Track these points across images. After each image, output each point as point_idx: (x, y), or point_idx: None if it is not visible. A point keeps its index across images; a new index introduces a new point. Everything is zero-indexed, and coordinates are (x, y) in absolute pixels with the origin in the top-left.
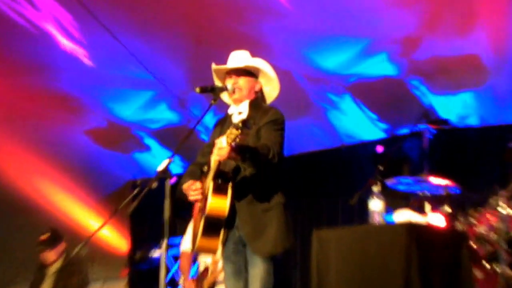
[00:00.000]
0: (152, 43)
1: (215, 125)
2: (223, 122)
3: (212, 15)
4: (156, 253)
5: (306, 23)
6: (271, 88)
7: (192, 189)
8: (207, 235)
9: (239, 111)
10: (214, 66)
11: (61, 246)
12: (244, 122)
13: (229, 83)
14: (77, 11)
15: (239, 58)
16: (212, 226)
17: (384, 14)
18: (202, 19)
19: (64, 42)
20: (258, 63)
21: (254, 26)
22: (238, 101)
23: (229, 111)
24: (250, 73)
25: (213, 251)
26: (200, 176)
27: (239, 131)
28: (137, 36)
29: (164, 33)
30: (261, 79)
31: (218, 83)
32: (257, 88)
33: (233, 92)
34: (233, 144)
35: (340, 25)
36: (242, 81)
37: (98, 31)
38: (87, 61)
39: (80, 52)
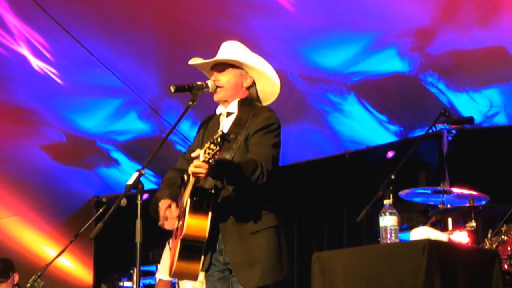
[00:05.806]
0: (119, 44)
1: (201, 125)
2: (209, 122)
3: (190, 10)
4: (126, 284)
5: (302, 17)
6: (264, 85)
7: (165, 215)
8: (185, 259)
9: (228, 112)
10: (190, 61)
11: (13, 278)
12: (223, 136)
13: (210, 80)
14: (29, 11)
15: (223, 50)
16: (190, 249)
17: (392, 3)
18: (178, 15)
19: (16, 47)
20: (233, 55)
21: (242, 22)
22: (223, 102)
23: (217, 111)
24: (235, 66)
25: (192, 277)
26: (180, 186)
27: (217, 147)
28: (101, 36)
29: (132, 33)
30: (252, 73)
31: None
32: (246, 84)
33: (215, 91)
34: (211, 161)
35: (341, 17)
36: (225, 77)
37: (56, 33)
38: (44, 68)
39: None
